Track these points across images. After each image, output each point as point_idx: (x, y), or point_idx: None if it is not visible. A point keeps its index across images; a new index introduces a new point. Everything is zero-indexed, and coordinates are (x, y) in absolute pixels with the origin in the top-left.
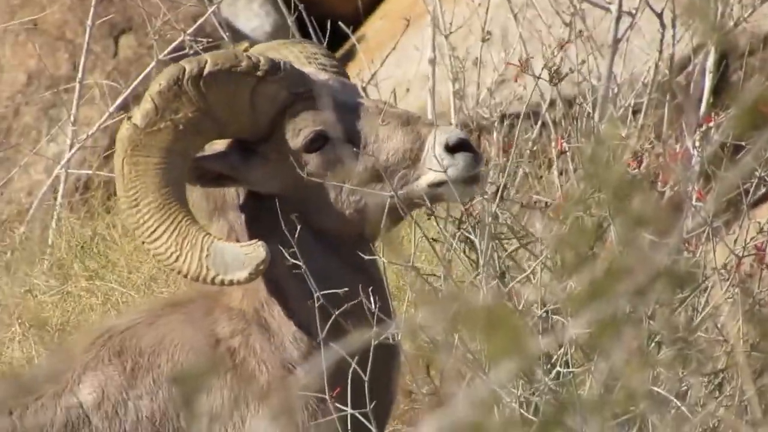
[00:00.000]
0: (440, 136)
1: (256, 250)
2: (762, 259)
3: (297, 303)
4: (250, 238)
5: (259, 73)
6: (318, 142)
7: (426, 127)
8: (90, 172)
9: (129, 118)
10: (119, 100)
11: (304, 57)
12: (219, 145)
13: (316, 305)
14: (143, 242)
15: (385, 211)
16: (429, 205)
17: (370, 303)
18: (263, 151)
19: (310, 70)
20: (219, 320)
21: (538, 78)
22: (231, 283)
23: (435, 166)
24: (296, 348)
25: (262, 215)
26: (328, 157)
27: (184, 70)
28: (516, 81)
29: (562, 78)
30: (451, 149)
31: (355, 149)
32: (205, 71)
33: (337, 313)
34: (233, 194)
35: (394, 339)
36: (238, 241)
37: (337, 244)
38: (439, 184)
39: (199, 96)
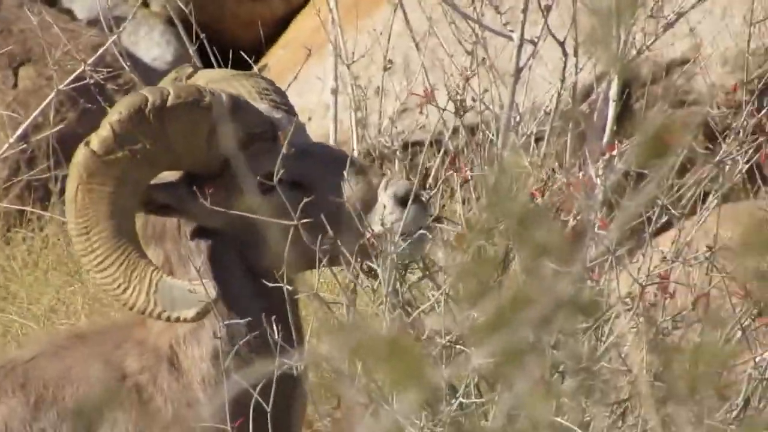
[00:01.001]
0: (390, 189)
1: (206, 289)
2: (665, 288)
3: (212, 343)
4: (182, 271)
5: (220, 111)
6: (272, 181)
7: (377, 177)
8: None
9: (87, 144)
10: (20, 131)
11: (255, 92)
12: (167, 175)
13: (221, 336)
14: (89, 270)
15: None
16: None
17: (275, 333)
18: (212, 187)
19: (263, 107)
20: (129, 354)
21: (444, 110)
22: (177, 320)
23: (385, 218)
24: (202, 389)
25: (199, 249)
26: (278, 200)
27: (147, 100)
28: (421, 112)
29: (468, 110)
30: (401, 201)
31: (306, 195)
32: (168, 103)
33: (239, 343)
34: (174, 224)
35: (296, 369)
36: (171, 273)
37: (258, 276)
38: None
39: (159, 127)
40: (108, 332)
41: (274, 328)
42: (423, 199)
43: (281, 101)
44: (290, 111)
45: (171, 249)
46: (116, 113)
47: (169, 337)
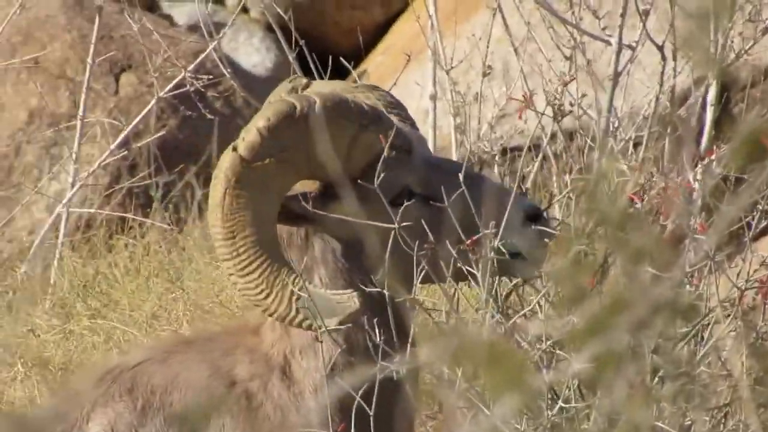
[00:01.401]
0: (518, 206)
1: (350, 300)
2: (765, 293)
3: (329, 354)
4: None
5: (363, 122)
6: (404, 197)
7: (507, 196)
8: (92, 210)
9: (234, 149)
10: (120, 138)
11: (382, 105)
12: (301, 186)
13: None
14: (231, 275)
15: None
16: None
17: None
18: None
19: (393, 119)
20: (239, 361)
21: (542, 114)
22: (318, 328)
23: (510, 237)
24: (314, 399)
25: (325, 260)
26: (412, 214)
27: (295, 107)
28: (520, 117)
29: (566, 115)
30: (530, 218)
31: (438, 210)
32: (316, 110)
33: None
34: (301, 233)
35: (397, 374)
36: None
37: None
38: (512, 254)
39: (306, 134)
40: (216, 339)
41: (380, 334)
42: (546, 217)
43: (405, 115)
44: (413, 125)
45: (296, 257)
46: (264, 119)
47: (284, 346)
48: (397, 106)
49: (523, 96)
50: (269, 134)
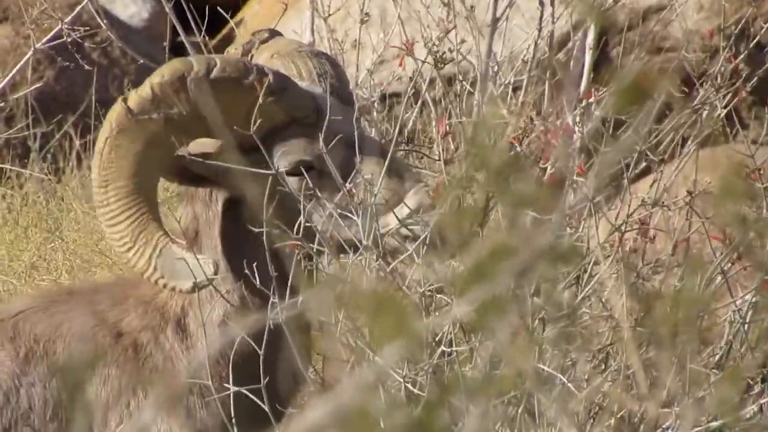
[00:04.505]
0: (413, 199)
1: (205, 266)
2: (645, 233)
3: (224, 308)
4: (206, 232)
5: (265, 91)
6: (303, 168)
7: (410, 183)
8: None
9: (124, 100)
10: None
11: (316, 73)
12: (202, 145)
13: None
14: (102, 222)
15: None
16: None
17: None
18: (247, 160)
19: (317, 90)
20: (128, 312)
21: (423, 62)
22: (173, 289)
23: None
24: (204, 350)
25: (226, 216)
26: (307, 185)
27: (191, 68)
28: (401, 65)
29: (447, 62)
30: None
31: (339, 182)
32: (212, 75)
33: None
34: (206, 189)
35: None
36: (197, 233)
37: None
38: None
39: (198, 97)
40: (104, 291)
41: (270, 286)
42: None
43: (339, 87)
44: (346, 99)
45: (200, 211)
46: (159, 75)
47: (183, 298)
48: (335, 78)
49: (403, 44)
50: (160, 91)
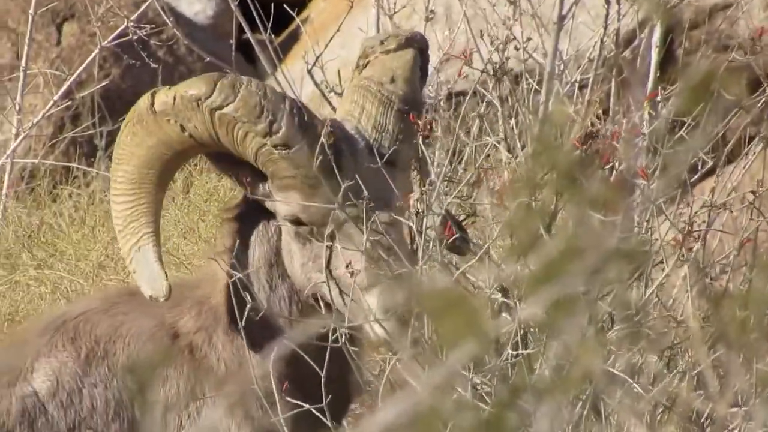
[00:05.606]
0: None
1: (161, 283)
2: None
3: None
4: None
5: (267, 142)
6: (294, 221)
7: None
8: (36, 160)
9: (153, 93)
10: (63, 88)
11: (374, 123)
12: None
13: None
14: (108, 195)
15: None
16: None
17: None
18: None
19: (358, 146)
20: (184, 313)
21: (482, 73)
22: (138, 286)
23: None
24: (257, 355)
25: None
26: (299, 235)
27: (209, 95)
28: (460, 75)
29: (506, 73)
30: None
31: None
32: (222, 110)
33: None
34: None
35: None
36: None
37: None
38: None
39: (211, 124)
40: None
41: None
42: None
43: (393, 146)
44: (390, 158)
45: (256, 244)
46: (184, 87)
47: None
48: (397, 133)
49: (462, 54)
50: (181, 102)
